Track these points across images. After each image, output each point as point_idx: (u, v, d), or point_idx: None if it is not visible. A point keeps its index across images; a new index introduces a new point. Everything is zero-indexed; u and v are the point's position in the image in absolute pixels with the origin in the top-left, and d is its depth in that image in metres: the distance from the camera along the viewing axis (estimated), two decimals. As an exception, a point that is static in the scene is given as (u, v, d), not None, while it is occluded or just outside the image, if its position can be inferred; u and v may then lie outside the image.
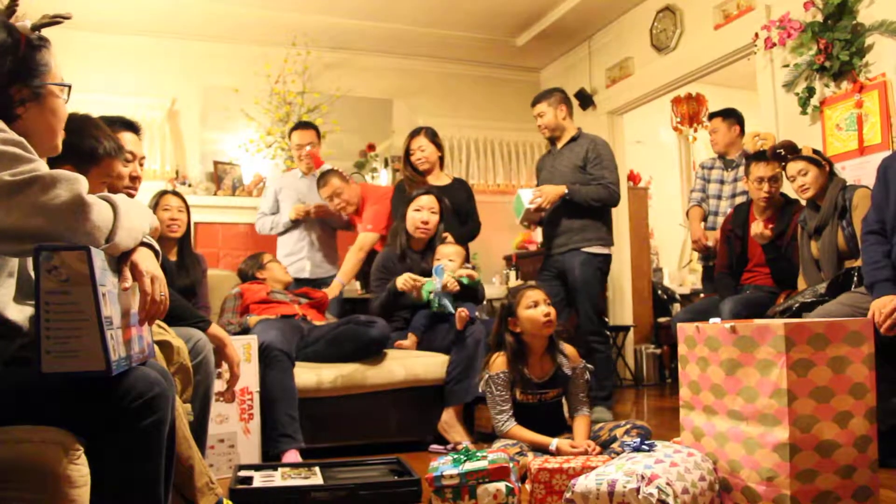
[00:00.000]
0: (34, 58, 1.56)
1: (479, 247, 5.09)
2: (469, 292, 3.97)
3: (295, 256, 4.77)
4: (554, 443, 2.91)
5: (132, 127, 2.65)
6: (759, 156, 3.88)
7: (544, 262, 4.60)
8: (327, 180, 4.71)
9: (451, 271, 3.89)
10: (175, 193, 3.79)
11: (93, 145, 2.03)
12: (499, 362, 3.11)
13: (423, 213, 4.04)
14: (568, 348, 3.21)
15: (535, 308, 3.07)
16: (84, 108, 5.69)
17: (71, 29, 5.82)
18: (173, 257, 3.66)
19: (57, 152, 1.67)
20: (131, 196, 2.63)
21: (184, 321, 2.50)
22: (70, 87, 1.65)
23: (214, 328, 2.58)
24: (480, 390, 3.16)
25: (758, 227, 3.89)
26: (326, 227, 4.94)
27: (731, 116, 4.94)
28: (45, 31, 1.60)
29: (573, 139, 4.49)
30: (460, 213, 4.39)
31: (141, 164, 2.68)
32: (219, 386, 2.64)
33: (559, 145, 4.53)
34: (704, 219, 4.99)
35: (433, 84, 7.03)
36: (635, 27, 5.95)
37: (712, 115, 5.09)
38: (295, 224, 4.84)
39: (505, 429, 3.04)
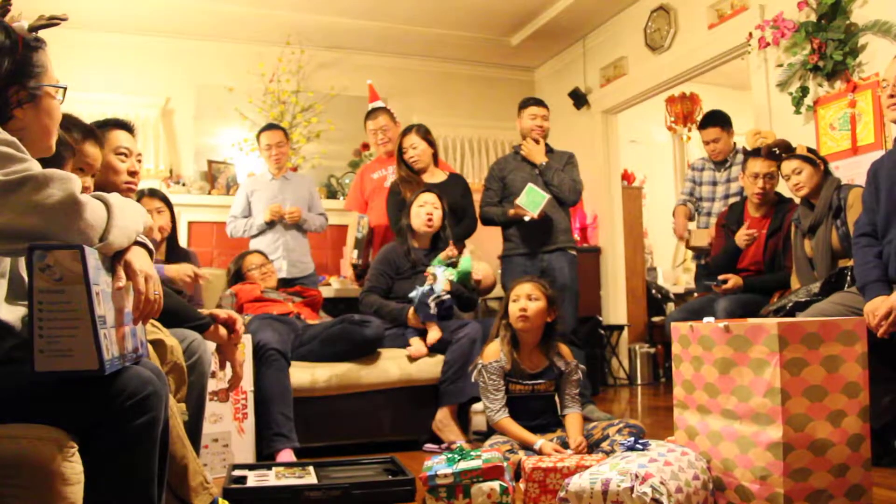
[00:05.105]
0: (31, 59, 1.56)
1: (473, 245, 5.08)
2: (464, 301, 4.01)
3: (270, 257, 4.73)
4: (538, 443, 2.92)
5: (125, 126, 2.66)
6: (757, 152, 3.89)
7: (521, 262, 4.51)
8: (376, 116, 5.01)
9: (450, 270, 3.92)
10: (152, 193, 3.70)
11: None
12: (492, 351, 3.16)
13: (427, 207, 4.05)
14: (562, 346, 3.24)
15: (515, 303, 3.14)
16: (78, 106, 5.68)
17: (64, 27, 5.76)
18: (161, 256, 3.63)
19: (51, 153, 1.67)
20: (132, 190, 2.65)
21: (185, 322, 2.49)
22: (66, 88, 1.65)
23: (217, 327, 2.57)
24: (473, 379, 3.18)
25: (743, 242, 3.97)
26: (299, 230, 4.94)
27: (728, 124, 4.90)
28: (40, 32, 1.60)
29: (550, 150, 4.61)
30: (455, 210, 4.38)
31: (139, 160, 2.69)
32: (213, 385, 2.63)
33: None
34: (692, 218, 5.01)
35: (428, 83, 7.03)
36: (629, 26, 5.96)
37: (707, 124, 4.93)
38: (268, 226, 4.85)
39: (496, 418, 3.07)
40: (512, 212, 4.38)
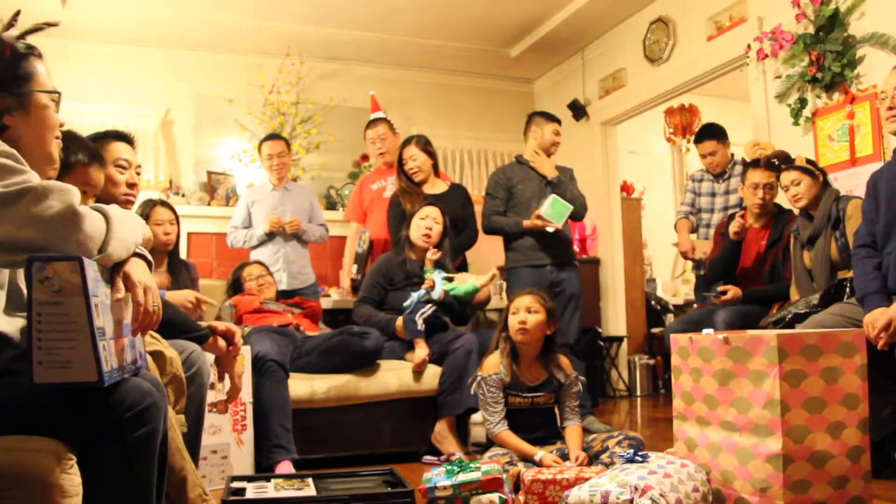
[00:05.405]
0: (19, 66, 1.56)
1: (473, 257, 5.11)
2: (457, 314, 4.02)
3: (271, 269, 4.71)
4: (539, 454, 2.92)
5: (124, 138, 2.66)
6: (756, 163, 3.89)
7: (529, 274, 4.43)
8: (375, 126, 5.05)
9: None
10: (164, 204, 3.75)
11: (62, 153, 2.03)
12: (492, 364, 3.15)
13: (427, 220, 4.05)
14: (562, 359, 3.23)
15: (514, 315, 3.13)
16: (78, 117, 5.69)
17: (65, 38, 5.83)
18: (163, 268, 3.64)
19: (51, 162, 1.67)
20: (130, 202, 2.65)
21: (184, 333, 2.49)
22: (59, 94, 1.64)
23: (216, 339, 2.56)
24: (473, 391, 3.17)
25: (736, 225, 3.90)
26: (300, 241, 4.94)
27: (724, 136, 4.91)
28: (38, 42, 1.60)
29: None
30: (456, 222, 4.37)
31: (138, 173, 2.69)
32: (212, 397, 2.63)
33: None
34: (695, 230, 5.00)
35: (428, 94, 7.05)
36: (628, 38, 5.98)
37: (703, 137, 4.94)
38: (268, 237, 4.84)
39: (496, 431, 3.06)
40: (529, 223, 4.33)
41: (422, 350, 3.77)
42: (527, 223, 4.35)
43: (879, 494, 2.45)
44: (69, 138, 2.12)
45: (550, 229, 4.30)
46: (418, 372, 3.75)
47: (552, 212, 4.26)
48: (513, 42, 6.55)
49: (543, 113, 4.73)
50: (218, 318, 3.90)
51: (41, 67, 1.62)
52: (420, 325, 3.78)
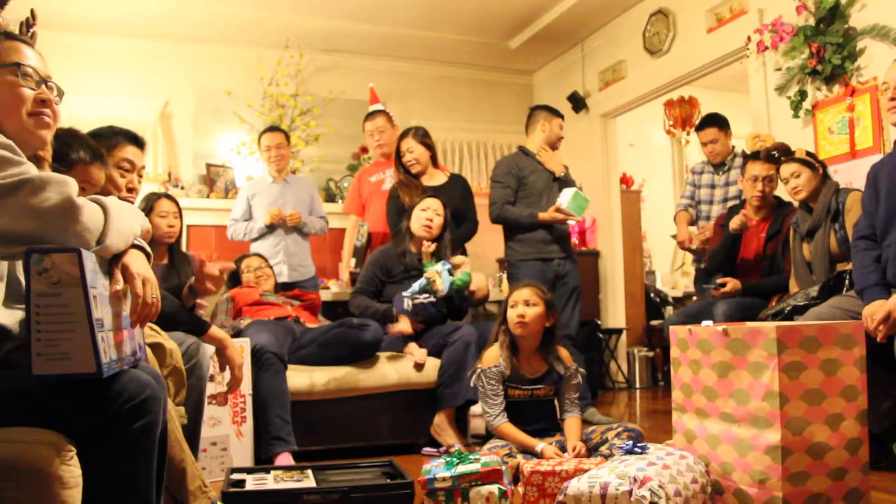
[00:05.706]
0: None
1: (471, 249, 5.10)
2: (454, 309, 4.02)
3: (271, 262, 4.71)
4: (540, 446, 2.92)
5: (135, 140, 2.62)
6: (756, 155, 3.89)
7: (536, 267, 4.41)
8: (374, 118, 5.04)
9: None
10: (169, 197, 3.75)
11: (63, 150, 2.02)
12: (491, 356, 3.16)
13: (428, 212, 4.04)
14: (562, 350, 3.23)
15: (513, 308, 3.13)
16: (76, 110, 5.66)
17: (63, 31, 5.82)
18: (164, 260, 3.63)
19: (33, 141, 1.62)
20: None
21: (181, 325, 2.49)
22: (17, 65, 1.59)
23: (214, 330, 2.57)
24: (472, 384, 3.17)
25: (737, 222, 3.91)
26: (300, 233, 4.94)
27: (726, 126, 4.90)
28: (38, 36, 1.59)
29: None
30: (455, 214, 4.34)
31: (140, 175, 2.65)
32: (211, 389, 2.63)
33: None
34: (694, 222, 5.00)
35: (427, 87, 7.03)
36: (628, 30, 5.96)
37: (705, 125, 4.94)
38: (269, 230, 4.84)
39: (495, 423, 3.06)
40: (547, 215, 4.30)
41: (405, 325, 3.78)
42: (544, 216, 4.32)
43: (877, 486, 2.46)
44: (71, 136, 2.12)
45: (572, 222, 4.32)
46: (419, 364, 3.76)
47: (574, 205, 4.26)
48: (512, 34, 6.54)
49: (549, 107, 4.72)
50: (215, 313, 3.90)
51: (26, 50, 1.61)
52: (407, 305, 3.78)
